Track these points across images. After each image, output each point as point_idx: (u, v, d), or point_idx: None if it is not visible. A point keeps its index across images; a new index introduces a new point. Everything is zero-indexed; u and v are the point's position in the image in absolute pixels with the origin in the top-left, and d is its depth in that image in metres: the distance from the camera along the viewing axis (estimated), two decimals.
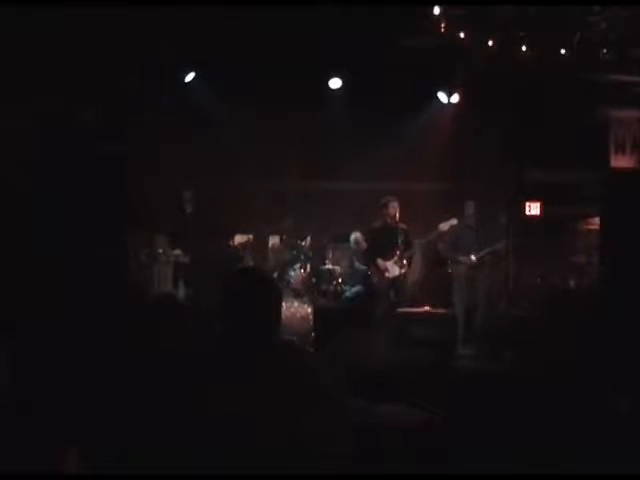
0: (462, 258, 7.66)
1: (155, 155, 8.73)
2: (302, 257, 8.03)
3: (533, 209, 8.89)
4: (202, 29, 7.23)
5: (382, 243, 7.57)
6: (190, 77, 8.31)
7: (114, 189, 8.28)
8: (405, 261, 7.47)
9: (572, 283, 8.19)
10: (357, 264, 8.31)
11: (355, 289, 8.13)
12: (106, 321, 2.63)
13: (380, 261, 7.58)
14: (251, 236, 8.78)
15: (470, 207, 7.75)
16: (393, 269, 7.51)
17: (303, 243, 8.14)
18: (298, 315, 7.21)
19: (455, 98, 8.69)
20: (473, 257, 7.63)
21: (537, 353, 2.57)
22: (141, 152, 8.54)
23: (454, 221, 7.51)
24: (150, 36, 7.08)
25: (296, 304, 7.34)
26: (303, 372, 2.25)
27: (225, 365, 2.20)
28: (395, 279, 7.50)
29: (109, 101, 7.61)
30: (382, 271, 7.56)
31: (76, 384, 2.33)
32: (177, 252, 7.56)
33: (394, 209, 7.47)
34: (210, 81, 8.34)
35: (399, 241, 7.37)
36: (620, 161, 8.77)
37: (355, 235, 8.40)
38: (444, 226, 7.49)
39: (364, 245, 8.23)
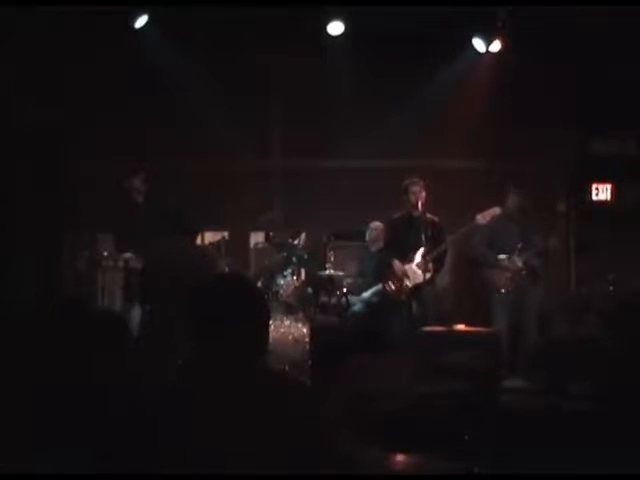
0: (503, 259, 7.64)
1: (96, 127, 8.70)
2: (294, 260, 8.02)
3: (601, 193, 8.88)
4: None
5: (401, 240, 7.56)
6: (141, 22, 8.26)
7: (43, 172, 8.26)
8: (432, 264, 7.44)
9: None
10: (368, 268, 8.31)
11: (365, 301, 8.13)
12: (32, 347, 2.63)
13: (397, 264, 7.57)
14: (226, 233, 8.78)
15: (516, 195, 7.66)
16: (415, 274, 7.50)
17: (296, 242, 8.14)
18: (290, 337, 7.22)
19: (496, 46, 8.66)
20: (518, 258, 7.60)
21: (611, 384, 2.56)
22: (78, 122, 8.51)
23: (497, 210, 7.44)
24: None
25: (287, 322, 7.35)
26: (297, 413, 2.24)
27: (195, 403, 2.20)
28: (418, 287, 7.50)
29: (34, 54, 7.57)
30: (400, 277, 7.56)
31: None
32: (127, 255, 7.54)
33: (418, 194, 7.45)
34: (167, 27, 8.30)
35: (423, 237, 7.33)
36: None
37: (374, 225, 8.38)
38: (483, 217, 7.42)
39: (381, 242, 8.22)
